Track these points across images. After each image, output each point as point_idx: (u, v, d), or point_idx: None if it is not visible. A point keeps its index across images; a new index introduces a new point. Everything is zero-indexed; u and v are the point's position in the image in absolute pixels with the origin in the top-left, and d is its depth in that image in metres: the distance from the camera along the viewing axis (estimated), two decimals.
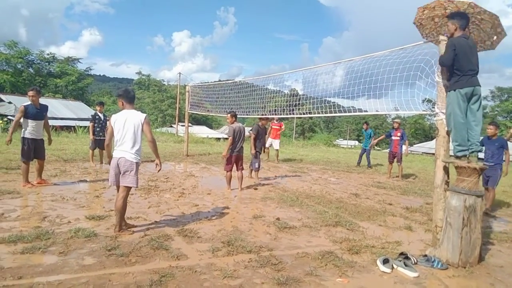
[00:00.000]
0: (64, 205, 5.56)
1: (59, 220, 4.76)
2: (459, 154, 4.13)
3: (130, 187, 4.44)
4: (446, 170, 4.32)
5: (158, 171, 4.73)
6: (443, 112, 4.27)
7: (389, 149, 11.56)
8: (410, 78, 5.30)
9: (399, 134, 10.91)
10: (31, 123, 6.56)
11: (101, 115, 9.81)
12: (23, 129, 6.58)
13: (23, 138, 6.54)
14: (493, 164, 6.80)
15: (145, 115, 4.44)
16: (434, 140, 4.54)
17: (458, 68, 4.06)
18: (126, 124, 4.33)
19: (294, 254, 4.08)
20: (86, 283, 3.07)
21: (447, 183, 4.31)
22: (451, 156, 4.33)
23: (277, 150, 13.48)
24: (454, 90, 4.07)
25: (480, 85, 4.11)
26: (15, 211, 5.06)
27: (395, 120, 11.50)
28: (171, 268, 3.48)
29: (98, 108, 9.94)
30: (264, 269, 3.60)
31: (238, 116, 8.13)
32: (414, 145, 41.55)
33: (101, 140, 9.37)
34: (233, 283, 3.28)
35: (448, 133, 4.25)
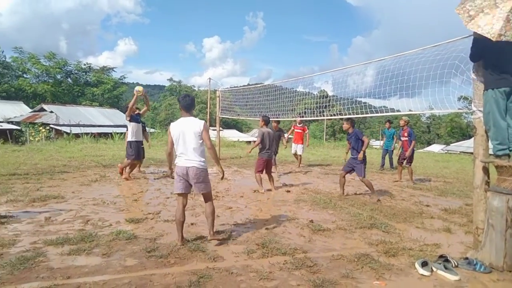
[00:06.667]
0: (105, 208, 5.82)
1: (101, 223, 4.99)
2: (500, 153, 3.97)
3: (210, 192, 4.46)
4: (485, 170, 4.17)
5: (221, 178, 4.73)
6: (480, 110, 4.13)
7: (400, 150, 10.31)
8: (444, 76, 5.18)
9: (406, 134, 9.90)
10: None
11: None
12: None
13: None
14: None
15: (203, 122, 4.29)
16: (472, 139, 4.40)
17: (494, 66, 3.91)
18: (185, 132, 4.22)
19: (329, 257, 4.07)
20: (129, 284, 3.21)
21: (487, 183, 4.16)
22: (490, 155, 4.17)
23: (299, 155, 12.33)
24: (492, 89, 3.92)
25: None
26: (60, 214, 5.34)
27: (403, 118, 10.32)
28: (208, 269, 3.57)
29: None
30: (299, 271, 3.62)
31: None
32: (451, 144, 40.08)
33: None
34: (269, 284, 3.32)
35: (486, 131, 4.10)
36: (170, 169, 4.58)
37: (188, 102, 4.36)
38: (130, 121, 8.32)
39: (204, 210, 4.49)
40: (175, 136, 4.26)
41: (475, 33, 4.10)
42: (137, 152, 8.35)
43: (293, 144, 12.23)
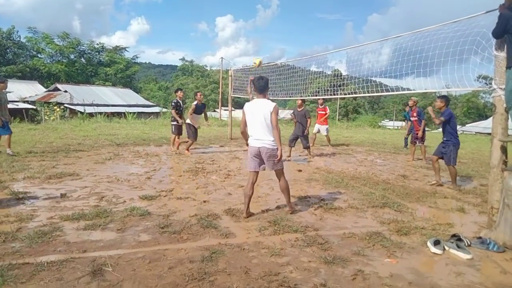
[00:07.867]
0: (119, 186, 5.91)
1: (116, 200, 5.07)
2: None
3: (282, 168, 4.64)
4: (503, 149, 4.08)
5: (278, 160, 4.49)
6: (501, 88, 4.00)
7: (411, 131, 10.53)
8: (464, 53, 5.02)
9: (415, 114, 9.91)
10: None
11: (181, 102, 9.98)
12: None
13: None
14: None
15: (274, 104, 4.40)
16: (489, 119, 4.30)
17: None
18: (255, 113, 4.41)
19: (340, 234, 4.08)
20: (143, 258, 3.28)
21: (505, 163, 4.08)
22: (509, 135, 4.07)
23: (326, 135, 12.40)
24: None
25: None
26: (76, 191, 5.45)
27: (411, 98, 10.39)
28: (220, 245, 3.62)
29: (181, 94, 10.03)
30: (310, 248, 3.64)
31: (280, 98, 8.20)
32: (467, 125, 39.33)
33: (179, 126, 9.84)
34: (280, 260, 3.35)
35: (506, 110, 3.98)
36: (247, 142, 4.71)
37: (262, 84, 4.50)
38: (194, 113, 9.63)
39: (279, 186, 4.76)
40: (248, 116, 4.50)
41: (500, 7, 3.94)
42: (195, 134, 9.78)
43: (316, 124, 12.19)
